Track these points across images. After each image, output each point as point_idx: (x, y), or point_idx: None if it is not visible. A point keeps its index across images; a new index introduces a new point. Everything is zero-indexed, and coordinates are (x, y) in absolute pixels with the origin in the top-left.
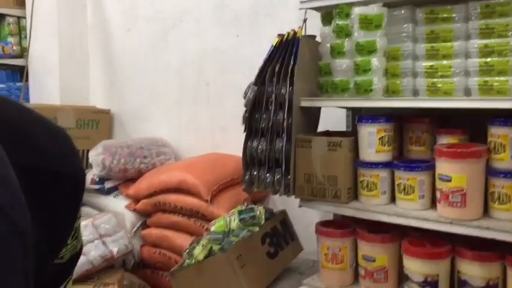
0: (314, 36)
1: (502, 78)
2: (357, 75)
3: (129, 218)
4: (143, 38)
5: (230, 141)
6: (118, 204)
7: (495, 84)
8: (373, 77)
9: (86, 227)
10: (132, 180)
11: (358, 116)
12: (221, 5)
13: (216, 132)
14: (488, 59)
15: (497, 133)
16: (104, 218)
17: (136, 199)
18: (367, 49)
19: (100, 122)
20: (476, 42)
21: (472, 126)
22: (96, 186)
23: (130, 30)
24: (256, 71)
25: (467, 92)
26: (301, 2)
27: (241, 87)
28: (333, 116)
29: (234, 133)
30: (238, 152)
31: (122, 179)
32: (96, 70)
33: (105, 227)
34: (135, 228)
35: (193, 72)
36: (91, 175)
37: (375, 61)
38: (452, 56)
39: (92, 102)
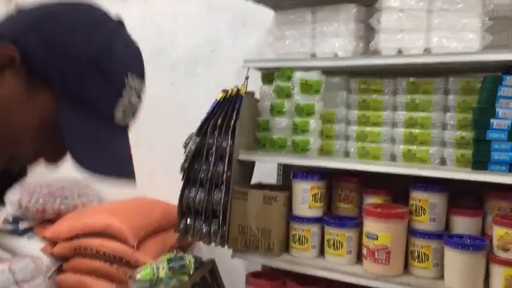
0: (253, 93)
1: (423, 148)
2: (295, 134)
3: (45, 262)
4: None
5: (157, 186)
6: (32, 246)
7: (417, 152)
8: (310, 138)
9: (2, 272)
10: (50, 221)
11: (293, 172)
12: (158, 50)
13: (144, 177)
14: (412, 130)
15: (418, 197)
16: (22, 263)
17: (53, 242)
18: (306, 111)
19: None
20: (403, 114)
21: (395, 187)
22: (9, 227)
23: None
24: (189, 119)
25: (393, 157)
26: (245, 61)
27: (172, 134)
28: (263, 168)
29: (161, 179)
30: (165, 197)
31: (38, 220)
32: None
33: (22, 273)
34: (50, 273)
35: None
36: (3, 214)
37: (313, 123)
38: (381, 124)
39: None
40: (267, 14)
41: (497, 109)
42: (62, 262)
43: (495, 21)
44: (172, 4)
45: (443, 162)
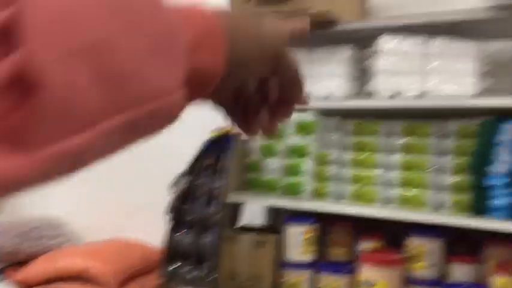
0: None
1: (419, 192)
2: (287, 176)
3: None
4: None
5: (138, 227)
6: None
7: (413, 196)
8: (303, 180)
9: None
10: (23, 263)
11: (285, 215)
12: None
13: (122, 217)
14: (408, 173)
15: (414, 243)
16: None
17: (25, 286)
18: (299, 152)
19: None
20: (398, 157)
21: (390, 232)
22: None
23: None
24: (174, 158)
25: (388, 201)
26: None
27: (154, 173)
28: (251, 209)
29: (143, 219)
30: (146, 239)
31: (9, 262)
32: None
33: None
34: None
35: None
36: None
37: (306, 164)
38: (376, 167)
39: None
40: None
41: (495, 154)
42: None
43: (491, 67)
44: None
45: (439, 207)
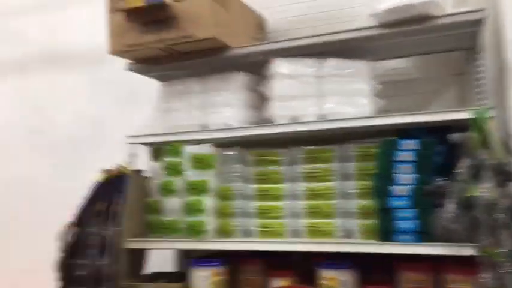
0: (143, 171)
1: (327, 221)
2: (188, 215)
3: None
4: None
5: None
6: None
7: (321, 225)
8: (206, 218)
9: None
10: None
11: (191, 258)
12: (35, 130)
13: (18, 276)
14: (314, 202)
15: (326, 276)
16: None
17: None
18: (199, 188)
19: None
20: (303, 185)
21: (301, 267)
22: None
23: None
24: (74, 206)
25: (296, 233)
26: (127, 137)
27: (55, 223)
28: (159, 254)
29: (42, 277)
30: None
31: None
32: None
33: None
34: None
35: None
36: None
37: (208, 201)
38: (281, 198)
39: None
40: (156, 86)
41: (395, 175)
42: None
43: (385, 86)
44: (52, 78)
45: (348, 234)
